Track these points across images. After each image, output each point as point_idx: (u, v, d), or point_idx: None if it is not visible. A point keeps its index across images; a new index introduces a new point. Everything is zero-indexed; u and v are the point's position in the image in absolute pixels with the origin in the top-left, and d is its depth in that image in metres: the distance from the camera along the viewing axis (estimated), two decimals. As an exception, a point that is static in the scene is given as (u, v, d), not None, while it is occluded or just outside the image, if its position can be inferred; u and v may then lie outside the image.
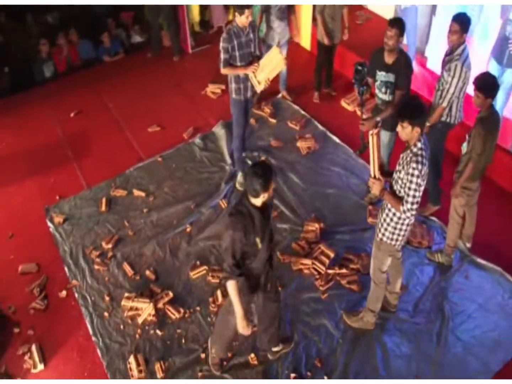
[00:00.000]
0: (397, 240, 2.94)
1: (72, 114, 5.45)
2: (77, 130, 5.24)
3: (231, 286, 2.55)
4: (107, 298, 3.62)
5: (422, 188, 2.71)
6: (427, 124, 3.73)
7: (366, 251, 3.84)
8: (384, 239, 2.96)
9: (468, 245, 3.89)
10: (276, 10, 4.75)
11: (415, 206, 2.72)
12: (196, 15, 6.54)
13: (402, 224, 2.86)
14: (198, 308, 3.52)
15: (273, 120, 5.14)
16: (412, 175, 2.64)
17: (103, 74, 6.10)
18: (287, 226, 4.06)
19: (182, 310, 3.50)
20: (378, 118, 3.71)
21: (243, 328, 2.68)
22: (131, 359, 3.23)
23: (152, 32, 6.30)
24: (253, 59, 3.94)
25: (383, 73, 3.62)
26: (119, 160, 4.77)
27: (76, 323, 3.49)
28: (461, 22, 3.41)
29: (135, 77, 5.95)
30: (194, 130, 5.07)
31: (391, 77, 3.59)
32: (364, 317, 3.34)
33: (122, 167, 4.68)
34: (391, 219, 2.88)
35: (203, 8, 6.67)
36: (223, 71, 3.94)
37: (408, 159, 2.68)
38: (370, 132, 2.91)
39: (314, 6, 5.53)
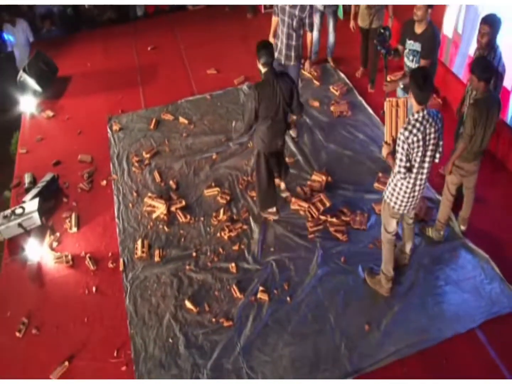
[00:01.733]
0: (395, 203, 3.03)
1: (149, 48, 6.13)
2: (149, 62, 5.91)
3: None
4: (134, 194, 4.24)
5: (413, 157, 2.75)
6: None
7: (362, 209, 4.01)
8: (385, 197, 3.12)
9: (463, 227, 3.86)
10: None
11: (402, 170, 2.80)
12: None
13: (400, 189, 2.96)
14: (202, 219, 4.01)
15: (317, 83, 5.34)
16: (399, 138, 2.75)
17: (184, 19, 6.70)
18: (297, 172, 4.33)
19: (189, 217, 4.01)
20: (401, 83, 3.80)
21: None
22: (139, 242, 3.83)
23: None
24: (294, 34, 4.13)
25: (411, 42, 3.69)
26: (175, 91, 5.34)
27: (107, 206, 4.17)
28: (492, 23, 3.24)
29: (209, 26, 6.46)
30: (245, 78, 5.46)
31: (417, 46, 3.65)
32: (380, 280, 3.41)
33: (176, 97, 5.25)
34: (392, 180, 3.02)
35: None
36: (272, 19, 4.28)
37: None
38: (387, 99, 3.02)
39: None
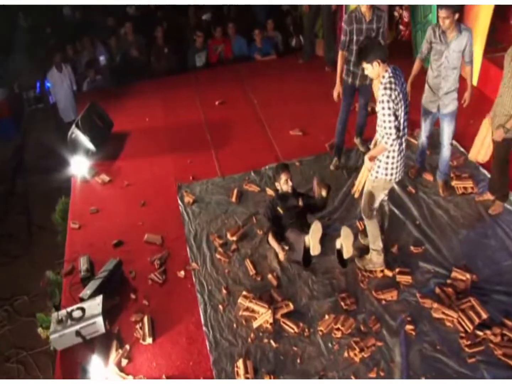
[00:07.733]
0: (391, 174, 3.25)
1: (216, 103, 5.64)
2: (219, 118, 5.40)
3: None
4: (224, 291, 3.50)
5: (399, 114, 3.01)
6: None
7: (529, 322, 3.25)
8: (379, 176, 3.26)
9: None
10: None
11: (393, 131, 3.01)
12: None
13: (393, 157, 3.19)
14: (320, 330, 3.22)
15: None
16: (383, 101, 2.97)
17: (252, 71, 6.33)
18: (431, 267, 3.61)
19: (301, 326, 3.24)
20: None
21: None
22: (240, 363, 3.04)
23: (306, 39, 6.39)
24: None
25: None
26: (256, 156, 4.77)
27: (190, 308, 3.42)
28: None
29: (283, 80, 6.04)
30: (338, 142, 4.90)
31: None
32: (371, 258, 3.55)
33: (257, 164, 4.66)
34: (380, 159, 3.21)
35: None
36: (339, 53, 4.14)
37: (379, 91, 3.00)
38: None
39: None
